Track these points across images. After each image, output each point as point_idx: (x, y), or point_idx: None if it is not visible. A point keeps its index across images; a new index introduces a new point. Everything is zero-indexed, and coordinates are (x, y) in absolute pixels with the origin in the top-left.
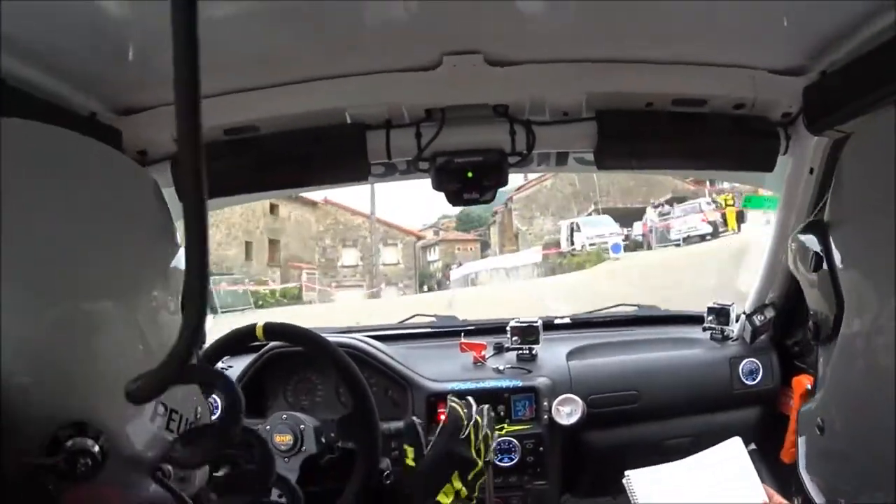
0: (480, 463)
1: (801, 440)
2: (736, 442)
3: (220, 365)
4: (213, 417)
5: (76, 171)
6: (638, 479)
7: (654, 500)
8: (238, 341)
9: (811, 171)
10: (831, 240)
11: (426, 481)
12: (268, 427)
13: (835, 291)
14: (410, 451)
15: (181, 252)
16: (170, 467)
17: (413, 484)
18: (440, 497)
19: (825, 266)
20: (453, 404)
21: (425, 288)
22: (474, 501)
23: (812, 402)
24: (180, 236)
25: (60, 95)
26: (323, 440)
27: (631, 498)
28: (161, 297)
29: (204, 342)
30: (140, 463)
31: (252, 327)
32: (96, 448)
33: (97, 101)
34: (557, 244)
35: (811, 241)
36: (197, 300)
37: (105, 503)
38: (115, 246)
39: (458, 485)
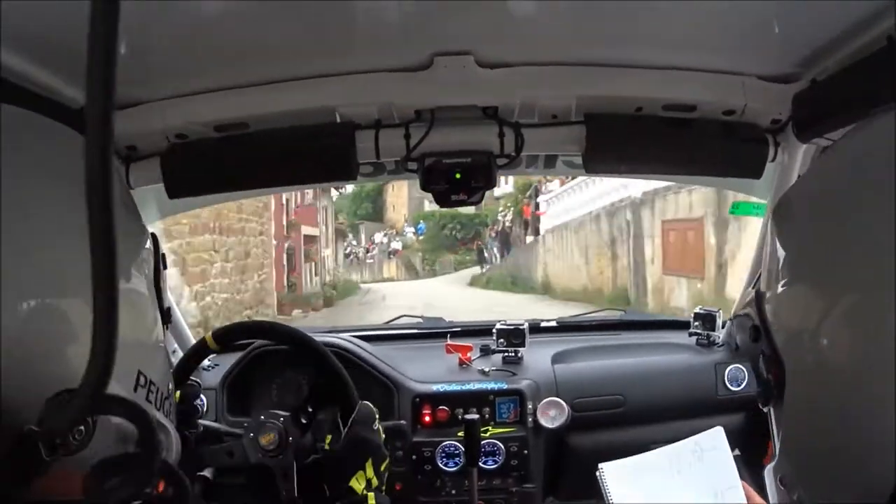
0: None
1: (770, 494)
2: (717, 432)
3: (205, 363)
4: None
5: (46, 160)
6: (612, 473)
7: (628, 498)
8: (196, 358)
9: (799, 177)
10: (764, 310)
11: (340, 465)
12: (251, 432)
13: (776, 359)
14: (328, 438)
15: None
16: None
17: (328, 466)
18: (352, 483)
19: (763, 337)
20: (366, 402)
21: None
22: (384, 491)
23: (773, 461)
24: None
25: (50, 88)
26: (304, 425)
27: (605, 495)
28: (126, 274)
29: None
30: (125, 435)
31: (202, 340)
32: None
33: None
34: None
35: (748, 314)
36: (105, 321)
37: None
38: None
39: (370, 473)
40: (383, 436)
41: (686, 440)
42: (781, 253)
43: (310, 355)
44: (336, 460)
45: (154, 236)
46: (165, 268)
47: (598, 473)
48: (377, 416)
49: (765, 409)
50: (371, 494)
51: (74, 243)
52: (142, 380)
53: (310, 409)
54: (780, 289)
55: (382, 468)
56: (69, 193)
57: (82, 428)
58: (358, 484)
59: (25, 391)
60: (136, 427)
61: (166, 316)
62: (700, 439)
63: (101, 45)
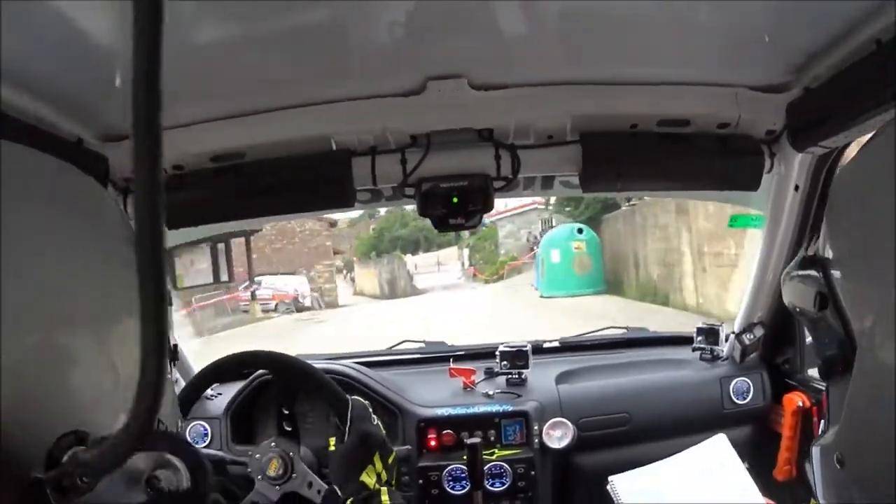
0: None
1: (818, 472)
2: (720, 439)
3: (209, 392)
4: (201, 445)
5: (49, 195)
6: (622, 484)
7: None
8: (199, 388)
9: (796, 188)
10: (833, 277)
11: (349, 461)
12: (257, 455)
13: (844, 330)
14: (332, 440)
15: None
16: (162, 478)
17: (336, 465)
18: (363, 477)
19: (830, 305)
20: (355, 397)
21: None
22: (394, 486)
23: (826, 439)
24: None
25: (47, 121)
26: (314, 463)
27: (615, 500)
28: (129, 310)
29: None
30: (132, 476)
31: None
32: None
33: (84, 127)
34: None
35: (811, 278)
36: (155, 352)
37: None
38: (89, 266)
39: (379, 467)
40: (384, 430)
41: (690, 449)
42: (848, 221)
43: (273, 371)
44: (343, 458)
45: None
46: (171, 304)
47: (608, 487)
48: (371, 409)
49: (823, 382)
50: (384, 489)
51: (73, 277)
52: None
53: (285, 412)
54: (849, 255)
55: (390, 461)
56: (68, 226)
57: (88, 472)
58: (369, 478)
59: (28, 436)
60: (185, 464)
61: (172, 352)
62: (705, 446)
63: (144, 106)
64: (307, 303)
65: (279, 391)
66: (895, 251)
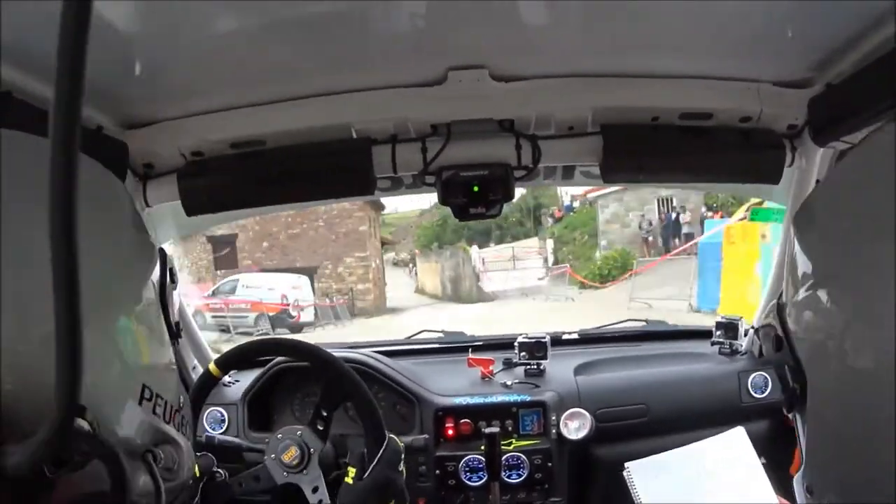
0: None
1: (799, 500)
2: (738, 432)
3: (226, 378)
4: (218, 431)
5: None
6: (638, 471)
7: (656, 497)
8: (205, 389)
9: (817, 182)
10: (787, 318)
11: (364, 501)
12: (279, 436)
13: (796, 364)
14: (352, 471)
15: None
16: (161, 453)
17: (350, 499)
18: None
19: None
20: (393, 436)
21: None
22: None
23: (800, 471)
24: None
25: None
26: (321, 431)
27: (633, 494)
28: (128, 288)
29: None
30: (131, 449)
31: (206, 371)
32: (88, 428)
33: (104, 115)
34: None
35: (770, 326)
36: (66, 352)
37: (96, 488)
38: (97, 253)
39: None
40: (404, 476)
41: (709, 439)
42: (802, 259)
43: (321, 367)
44: (360, 496)
45: (162, 251)
46: (174, 283)
47: (624, 472)
48: (403, 456)
49: (790, 417)
50: None
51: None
52: (147, 393)
53: (324, 414)
54: (802, 296)
55: None
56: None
57: (85, 445)
58: None
59: (29, 410)
60: (105, 466)
61: (175, 330)
62: (723, 437)
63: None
64: (306, 316)
65: (326, 394)
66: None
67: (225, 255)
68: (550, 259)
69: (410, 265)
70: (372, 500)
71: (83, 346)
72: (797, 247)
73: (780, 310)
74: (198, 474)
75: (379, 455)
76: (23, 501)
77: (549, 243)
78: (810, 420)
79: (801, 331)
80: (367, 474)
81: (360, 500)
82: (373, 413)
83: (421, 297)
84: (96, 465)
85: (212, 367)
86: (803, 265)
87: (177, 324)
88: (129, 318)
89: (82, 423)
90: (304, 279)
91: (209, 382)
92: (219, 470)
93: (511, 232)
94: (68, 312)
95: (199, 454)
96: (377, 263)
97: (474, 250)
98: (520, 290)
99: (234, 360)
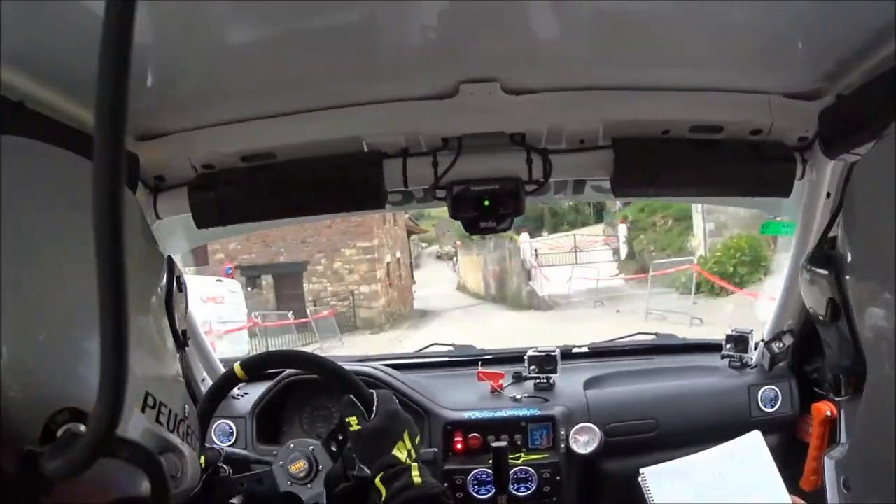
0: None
1: (829, 488)
2: (755, 435)
3: (235, 391)
4: (226, 444)
5: (70, 191)
6: (653, 477)
7: (670, 499)
8: (224, 389)
9: (828, 195)
10: (847, 283)
11: (379, 436)
12: (280, 463)
13: (854, 345)
14: (353, 420)
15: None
16: (164, 461)
17: (364, 441)
18: (395, 452)
19: (843, 316)
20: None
21: None
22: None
23: (838, 453)
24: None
25: (79, 119)
26: (334, 449)
27: (646, 497)
28: (144, 302)
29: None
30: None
31: (231, 371)
32: None
33: None
34: None
35: (824, 280)
36: (114, 365)
37: (95, 496)
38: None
39: (408, 444)
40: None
41: (726, 444)
42: (873, 212)
43: (338, 384)
44: (373, 433)
45: (170, 259)
46: (181, 291)
47: (640, 479)
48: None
49: (837, 400)
50: (415, 465)
51: (87, 270)
52: (150, 401)
53: (340, 438)
54: (862, 260)
55: (417, 441)
56: (85, 222)
57: None
58: (400, 453)
59: (27, 412)
60: (147, 475)
61: (181, 339)
62: (740, 442)
63: (112, 66)
64: (231, 342)
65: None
66: None
67: (194, 249)
68: (623, 251)
69: (454, 258)
70: (388, 431)
71: (124, 356)
72: (857, 204)
73: (834, 263)
74: (203, 464)
75: (376, 399)
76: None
77: (622, 230)
78: (864, 415)
79: (861, 301)
80: (371, 416)
81: (376, 435)
82: (352, 382)
83: (461, 297)
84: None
85: (237, 367)
86: (865, 226)
87: (183, 332)
88: (133, 327)
89: (83, 429)
90: (233, 284)
91: (231, 382)
92: (224, 466)
93: (567, 218)
94: (115, 326)
95: (207, 447)
96: (396, 258)
97: (524, 239)
98: (591, 295)
99: (262, 366)
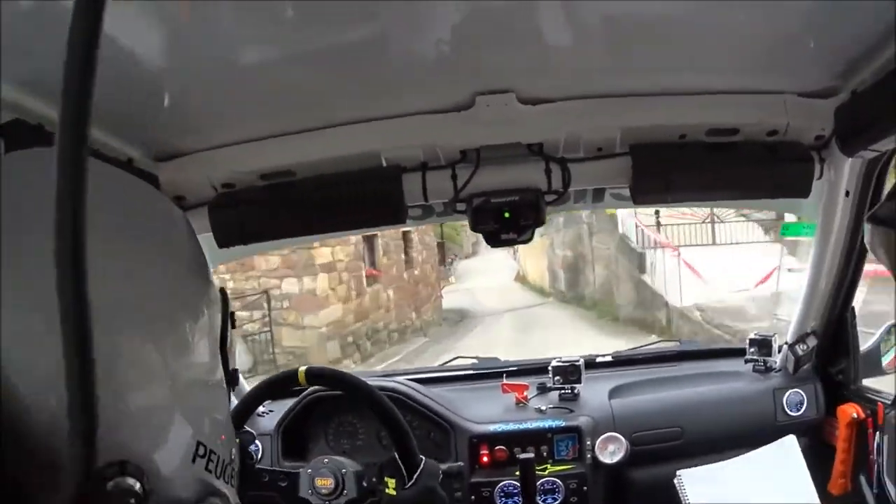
0: None
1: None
2: (790, 440)
3: (260, 409)
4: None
5: (121, 210)
6: (690, 478)
7: (705, 499)
8: (280, 385)
9: (847, 193)
10: None
11: None
12: (308, 470)
13: None
14: (392, 482)
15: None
16: None
17: None
18: None
19: None
20: (430, 459)
21: None
22: None
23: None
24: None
25: (99, 141)
26: (364, 484)
27: (681, 497)
28: (192, 334)
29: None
30: (178, 499)
31: (294, 372)
32: (139, 488)
33: (134, 147)
34: None
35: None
36: (77, 382)
37: None
38: (148, 283)
39: None
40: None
41: (761, 448)
42: None
43: (392, 435)
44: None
45: (223, 292)
46: (234, 327)
47: (675, 480)
48: (441, 474)
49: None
50: None
51: (139, 294)
52: (201, 450)
53: (374, 480)
54: None
55: None
56: (122, 236)
57: (132, 501)
58: None
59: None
60: None
61: (232, 378)
62: (774, 447)
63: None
64: None
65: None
66: None
67: None
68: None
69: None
70: None
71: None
72: None
73: None
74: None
75: (420, 468)
76: None
77: None
78: None
79: None
80: (410, 484)
81: None
82: (404, 436)
83: (518, 293)
84: None
85: (301, 371)
86: None
87: (234, 370)
88: (190, 374)
89: (132, 482)
90: None
91: (290, 382)
92: (252, 452)
93: None
94: (82, 364)
95: (241, 431)
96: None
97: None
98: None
99: (324, 381)
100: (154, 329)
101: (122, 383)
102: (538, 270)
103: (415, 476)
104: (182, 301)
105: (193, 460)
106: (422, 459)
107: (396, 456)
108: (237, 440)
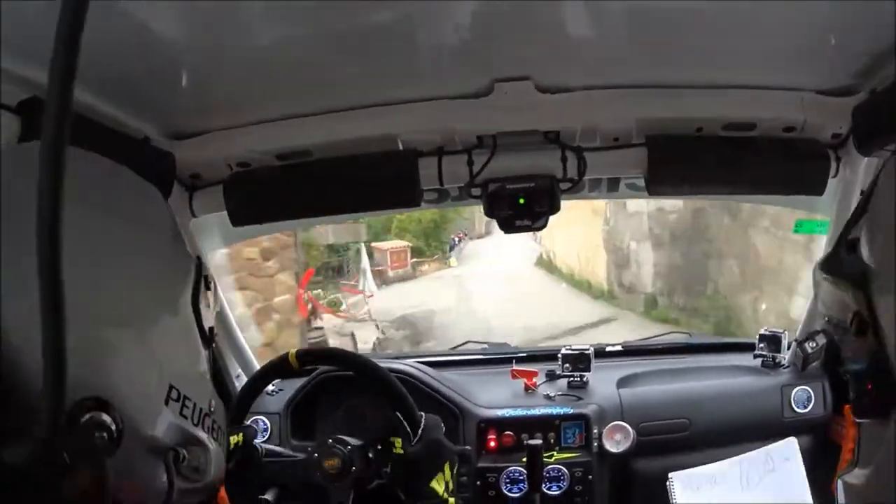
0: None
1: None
2: (791, 443)
3: (269, 388)
4: (260, 440)
5: (101, 194)
6: (681, 482)
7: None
8: (273, 373)
9: (862, 192)
10: (876, 294)
11: (420, 465)
12: (316, 452)
13: (884, 364)
14: (398, 441)
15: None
16: (185, 452)
17: (405, 468)
18: (433, 484)
19: (870, 332)
20: (429, 413)
21: None
22: (454, 499)
23: (853, 478)
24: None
25: (115, 119)
26: (370, 455)
27: (671, 499)
28: (164, 288)
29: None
30: (154, 446)
31: (284, 356)
32: (111, 422)
33: (151, 126)
34: None
35: (848, 295)
36: (52, 339)
37: (116, 489)
38: (124, 244)
39: (448, 476)
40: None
41: (758, 450)
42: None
43: (389, 399)
44: (413, 462)
45: (199, 259)
46: (208, 288)
47: (667, 483)
48: (443, 427)
49: (858, 421)
50: (452, 500)
51: (116, 272)
52: (174, 394)
53: (379, 448)
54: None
55: (455, 472)
56: (116, 225)
57: (104, 434)
58: (438, 486)
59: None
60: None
61: (208, 336)
62: (773, 450)
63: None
64: None
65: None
66: None
67: None
68: None
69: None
70: (429, 462)
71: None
72: (883, 205)
73: (864, 285)
74: (240, 441)
75: (423, 424)
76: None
77: None
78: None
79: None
80: (416, 440)
81: (417, 464)
82: (402, 398)
83: (543, 285)
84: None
85: (291, 354)
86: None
87: (210, 329)
88: (160, 324)
89: (105, 418)
90: None
91: (280, 368)
92: (258, 445)
93: None
94: (53, 314)
95: (245, 424)
96: None
97: None
98: None
99: (316, 359)
100: (125, 275)
101: (93, 323)
102: (567, 254)
103: (419, 432)
104: (155, 263)
105: (167, 402)
106: (422, 415)
107: (399, 415)
108: (241, 431)
